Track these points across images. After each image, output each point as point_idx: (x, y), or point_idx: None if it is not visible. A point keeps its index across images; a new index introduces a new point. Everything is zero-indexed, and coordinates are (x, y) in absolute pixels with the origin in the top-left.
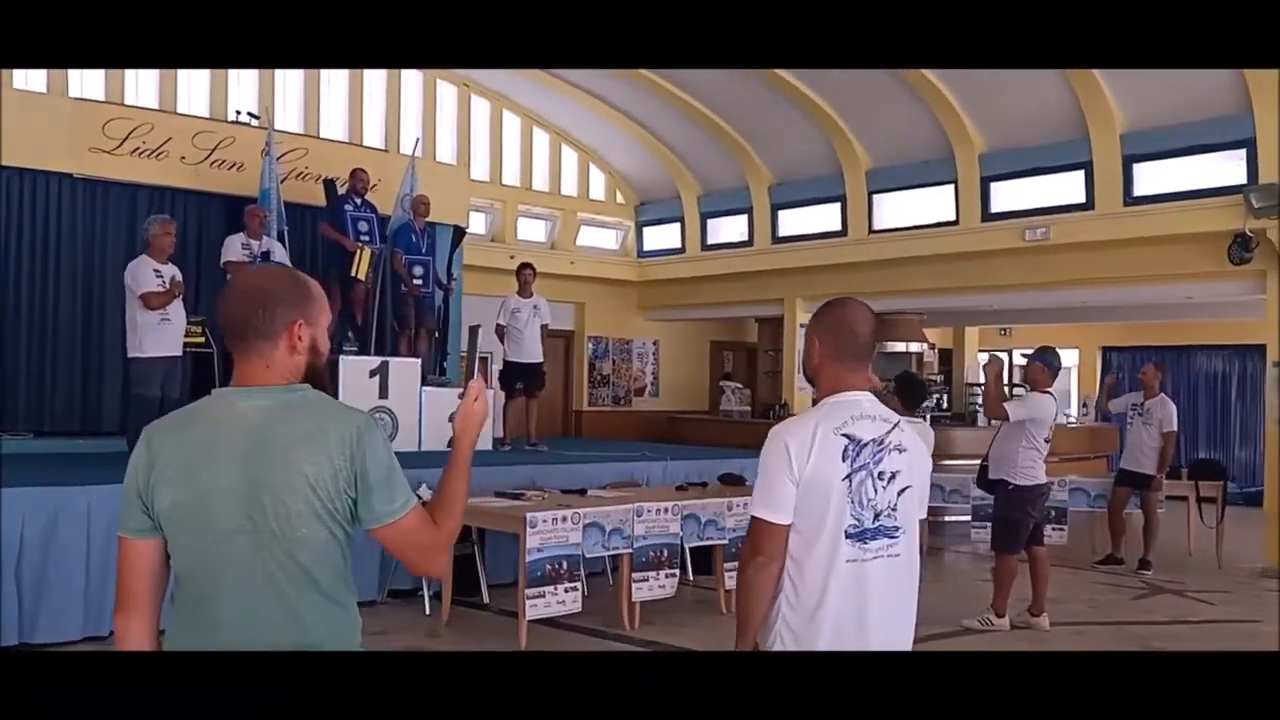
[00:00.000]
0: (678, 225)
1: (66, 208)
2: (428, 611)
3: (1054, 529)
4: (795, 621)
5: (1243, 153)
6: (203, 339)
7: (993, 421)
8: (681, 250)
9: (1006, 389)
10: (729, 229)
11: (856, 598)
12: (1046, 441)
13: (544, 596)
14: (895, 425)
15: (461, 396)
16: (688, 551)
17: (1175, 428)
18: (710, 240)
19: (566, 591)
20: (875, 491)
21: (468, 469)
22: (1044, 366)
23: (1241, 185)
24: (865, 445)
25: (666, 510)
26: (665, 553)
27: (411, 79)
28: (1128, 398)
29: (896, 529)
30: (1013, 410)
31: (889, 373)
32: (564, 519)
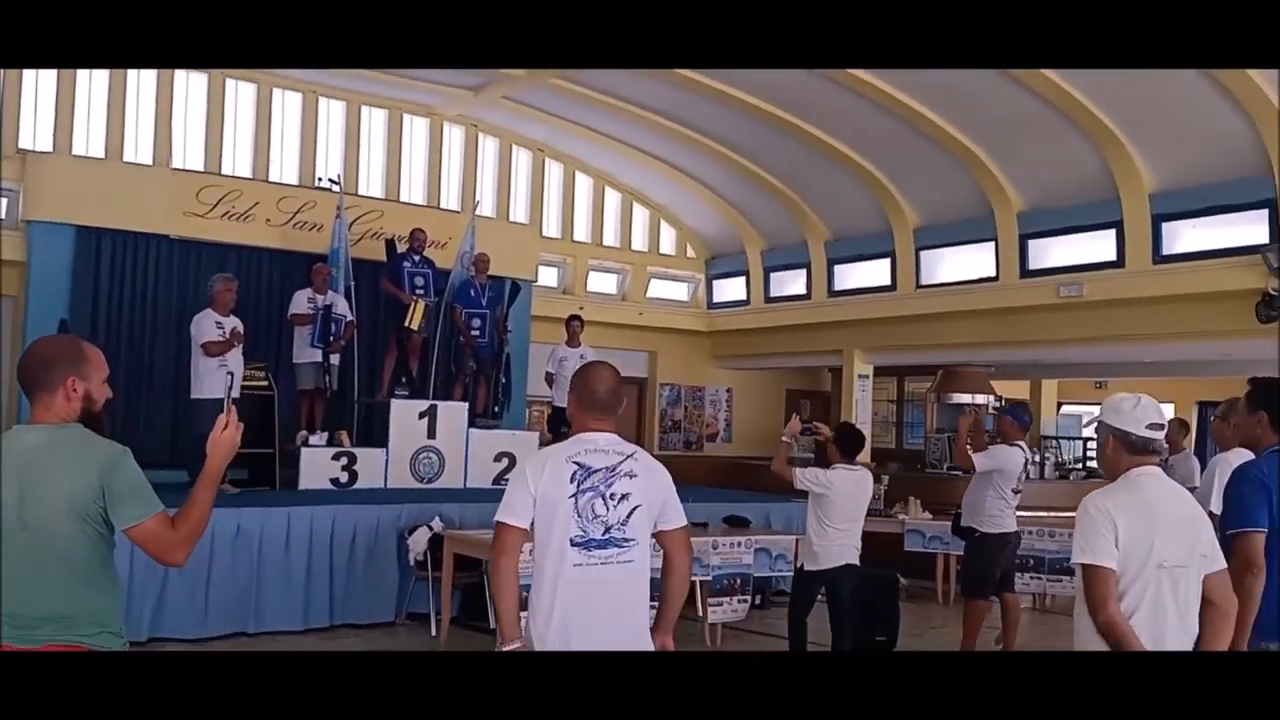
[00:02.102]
0: (744, 278)
1: (164, 266)
2: (434, 633)
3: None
4: (537, 613)
5: (1265, 213)
6: (265, 382)
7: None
8: (747, 302)
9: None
10: (790, 282)
11: (582, 593)
12: (1015, 492)
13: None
14: (629, 457)
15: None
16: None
17: (1199, 484)
18: (773, 293)
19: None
20: (606, 509)
21: (214, 484)
22: (1013, 420)
23: (1262, 245)
24: (596, 471)
25: None
26: None
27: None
28: None
29: (627, 540)
30: (979, 461)
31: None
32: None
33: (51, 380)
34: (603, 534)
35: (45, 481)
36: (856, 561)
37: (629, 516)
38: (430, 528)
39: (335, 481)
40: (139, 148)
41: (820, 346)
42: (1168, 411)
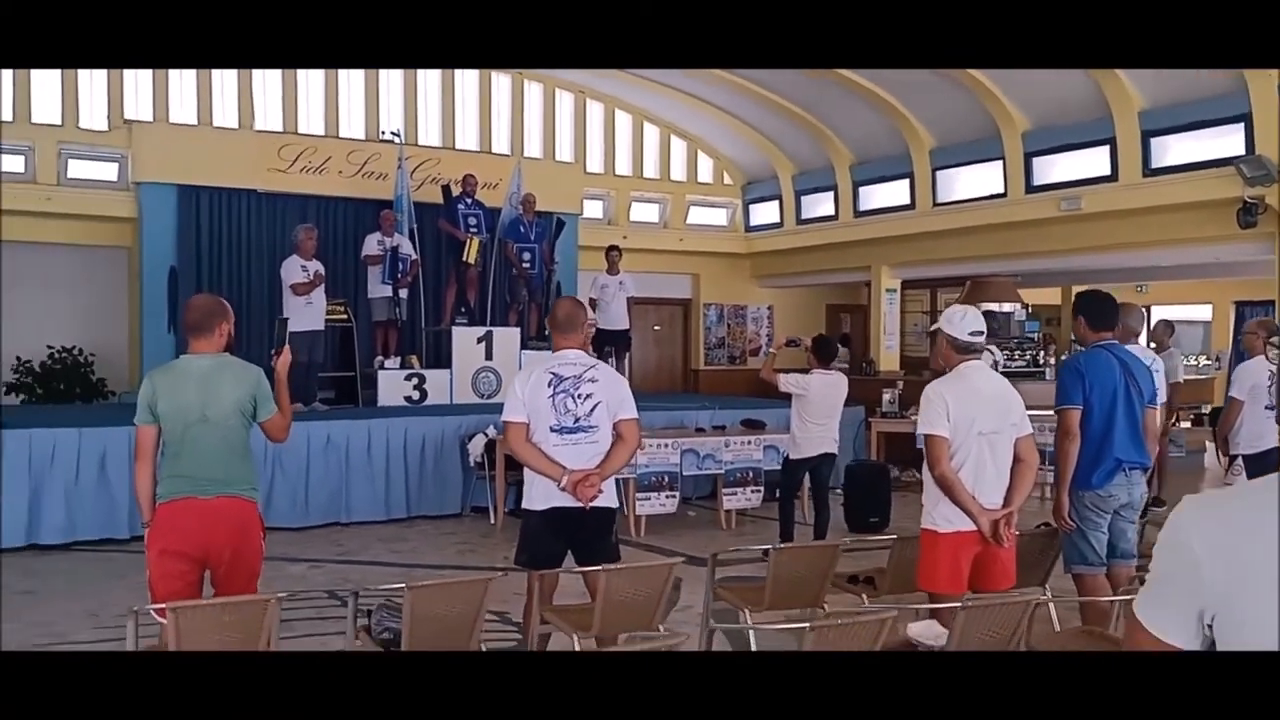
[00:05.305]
0: (777, 202)
1: (254, 217)
2: (492, 520)
3: None
4: (533, 480)
5: (1241, 126)
6: (345, 316)
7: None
8: (781, 225)
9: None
10: (820, 204)
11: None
12: None
13: None
14: (592, 367)
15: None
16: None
17: (1181, 379)
18: (804, 215)
19: None
20: (575, 404)
21: (285, 390)
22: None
23: (1236, 156)
24: (567, 379)
25: (666, 445)
26: (666, 478)
27: (534, 91)
28: None
29: (592, 427)
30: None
31: (998, 331)
32: None
33: (211, 325)
34: (573, 423)
35: (220, 390)
36: (834, 451)
37: (592, 410)
38: (486, 434)
39: (408, 399)
40: (225, 113)
41: (849, 264)
42: (1206, 312)
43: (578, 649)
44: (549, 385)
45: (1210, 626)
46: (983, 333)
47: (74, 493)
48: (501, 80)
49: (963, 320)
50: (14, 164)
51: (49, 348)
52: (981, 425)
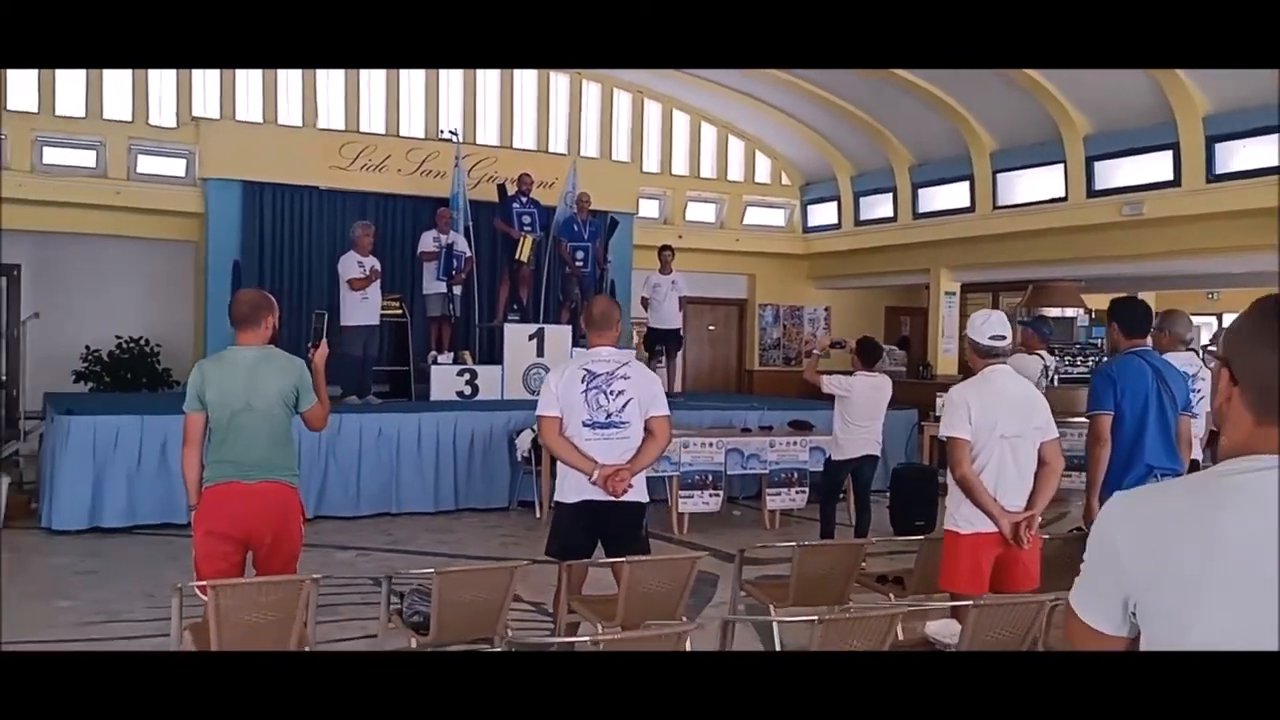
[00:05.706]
0: (835, 203)
1: (316, 213)
2: (538, 515)
3: None
4: (565, 473)
5: None
6: (399, 311)
7: None
8: (838, 226)
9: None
10: (878, 206)
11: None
12: None
13: None
14: (624, 364)
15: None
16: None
17: None
18: (863, 216)
19: None
20: (607, 400)
21: (324, 384)
22: (1034, 332)
23: None
24: (599, 375)
25: (711, 444)
26: (709, 477)
27: (591, 90)
28: None
29: (624, 423)
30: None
31: (1057, 336)
32: None
33: (257, 318)
34: (605, 418)
35: (265, 380)
36: (876, 452)
37: (624, 406)
38: (533, 430)
39: (460, 394)
40: (290, 111)
41: (908, 266)
42: None
43: (601, 635)
44: (582, 381)
45: (1134, 614)
46: (1005, 337)
47: (135, 478)
48: (560, 80)
49: (984, 324)
50: (86, 158)
51: (117, 338)
52: (1004, 428)
